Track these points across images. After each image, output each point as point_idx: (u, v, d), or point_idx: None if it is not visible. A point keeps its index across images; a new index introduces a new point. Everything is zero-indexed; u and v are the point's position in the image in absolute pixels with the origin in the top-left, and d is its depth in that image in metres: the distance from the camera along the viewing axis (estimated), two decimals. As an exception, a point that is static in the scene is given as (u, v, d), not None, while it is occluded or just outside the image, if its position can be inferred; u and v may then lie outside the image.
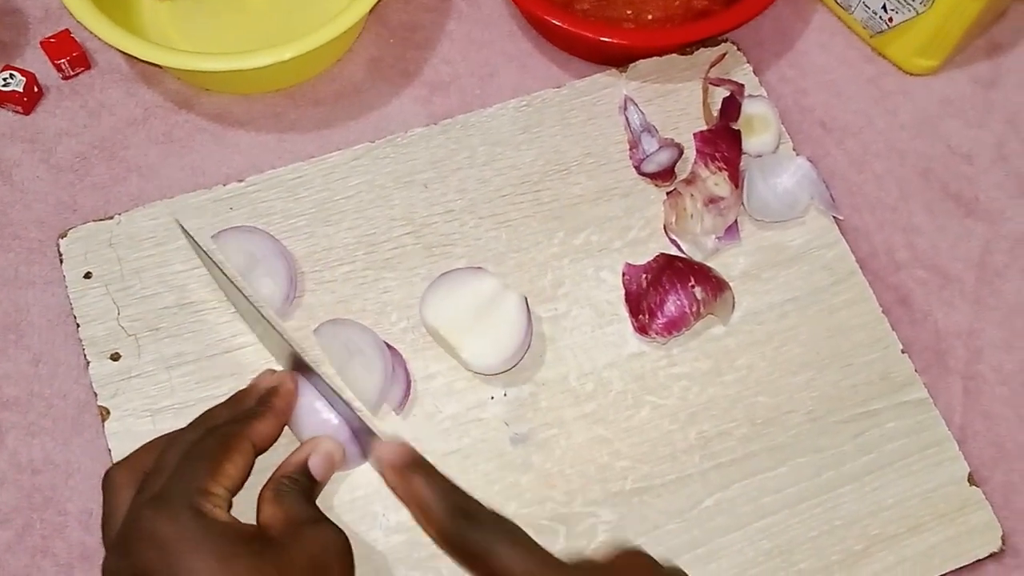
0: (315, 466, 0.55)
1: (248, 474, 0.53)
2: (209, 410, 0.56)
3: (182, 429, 0.55)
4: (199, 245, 0.62)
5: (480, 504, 0.50)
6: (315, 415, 0.58)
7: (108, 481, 0.53)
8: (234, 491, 0.52)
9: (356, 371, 0.60)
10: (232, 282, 0.61)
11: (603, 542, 0.60)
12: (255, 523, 0.52)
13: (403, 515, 0.59)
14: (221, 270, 0.61)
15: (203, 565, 0.47)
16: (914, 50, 0.75)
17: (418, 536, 0.59)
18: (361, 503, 0.59)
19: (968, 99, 0.77)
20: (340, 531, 0.52)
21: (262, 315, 0.60)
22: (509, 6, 0.77)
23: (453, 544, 0.49)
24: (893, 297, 0.69)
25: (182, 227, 0.63)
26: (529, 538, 0.48)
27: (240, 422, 0.54)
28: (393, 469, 0.52)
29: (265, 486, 0.54)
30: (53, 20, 0.74)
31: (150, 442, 0.55)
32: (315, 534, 0.51)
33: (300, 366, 0.59)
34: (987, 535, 0.62)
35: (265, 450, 0.55)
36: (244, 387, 0.59)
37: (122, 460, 0.54)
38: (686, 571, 0.59)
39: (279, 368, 0.61)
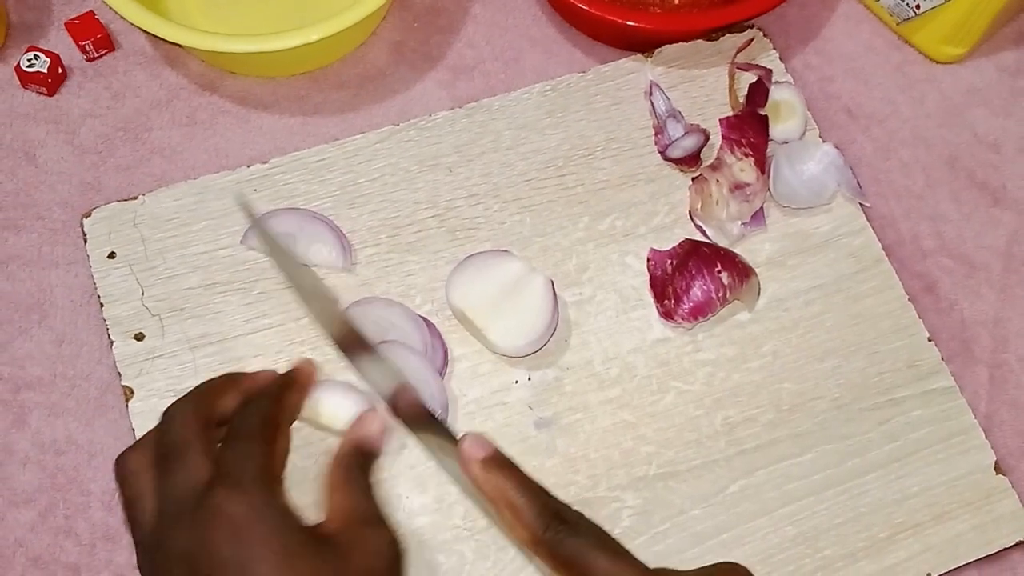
0: (370, 441, 0.54)
1: (289, 448, 0.53)
2: (204, 383, 0.54)
3: (183, 400, 0.53)
4: (263, 226, 0.60)
5: (571, 508, 0.49)
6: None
7: (125, 466, 0.52)
8: (284, 470, 0.52)
9: (394, 346, 0.60)
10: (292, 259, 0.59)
11: (627, 527, 0.59)
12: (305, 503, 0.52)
13: (426, 498, 0.59)
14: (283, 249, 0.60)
15: (269, 555, 0.46)
16: (941, 38, 0.75)
17: (441, 519, 0.59)
18: (386, 484, 0.59)
19: (995, 88, 0.76)
20: (398, 536, 0.51)
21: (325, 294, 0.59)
22: (533, -9, 0.77)
23: (547, 548, 0.48)
24: (919, 285, 0.69)
25: (246, 209, 0.59)
26: (623, 547, 0.48)
27: (272, 397, 0.53)
28: (480, 464, 0.51)
29: (333, 467, 0.52)
30: (77, 1, 0.73)
31: (154, 428, 0.54)
32: (375, 538, 0.50)
33: (353, 344, 0.57)
34: (1014, 524, 0.61)
35: (293, 423, 0.55)
36: (242, 372, 0.58)
37: (133, 445, 0.53)
38: (710, 556, 0.59)
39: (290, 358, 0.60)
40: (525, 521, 0.48)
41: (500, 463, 0.50)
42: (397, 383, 0.56)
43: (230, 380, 0.55)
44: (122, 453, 0.53)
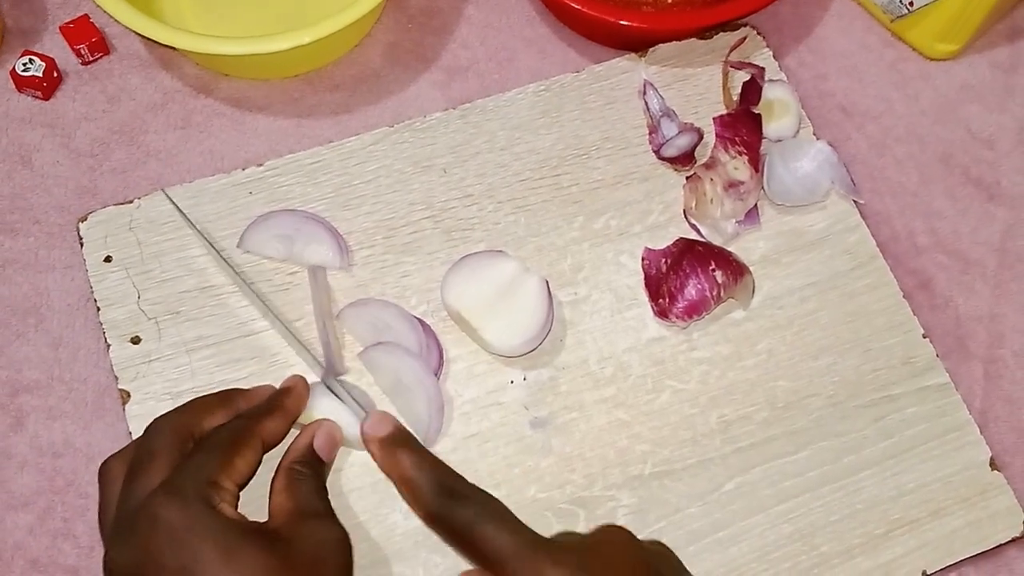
0: (321, 448, 0.56)
1: (256, 469, 0.54)
2: (198, 399, 0.57)
3: (170, 414, 0.55)
4: (209, 241, 0.61)
5: (465, 481, 0.50)
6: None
7: (105, 472, 0.54)
8: (242, 485, 0.53)
9: (389, 347, 0.61)
10: (237, 273, 0.60)
11: (623, 525, 0.59)
12: (262, 518, 0.53)
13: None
14: (231, 266, 0.61)
15: (209, 555, 0.47)
16: (934, 35, 0.75)
17: (438, 519, 0.59)
18: (381, 486, 0.59)
19: (988, 84, 0.76)
20: (342, 529, 0.53)
21: (276, 316, 0.60)
22: (527, -9, 0.77)
23: (438, 521, 0.49)
24: (914, 282, 0.69)
25: (195, 228, 0.61)
26: (514, 516, 0.48)
27: (252, 417, 0.55)
28: (379, 443, 0.52)
29: (277, 474, 0.55)
30: (72, 5, 0.74)
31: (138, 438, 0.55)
32: (318, 529, 0.52)
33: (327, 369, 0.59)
34: (1009, 520, 0.61)
35: (272, 448, 0.56)
36: (240, 388, 0.59)
37: (117, 452, 0.54)
38: (707, 554, 0.59)
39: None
40: (419, 497, 0.49)
41: (400, 441, 0.51)
42: (367, 403, 0.57)
43: (222, 398, 0.57)
44: (106, 460, 0.54)
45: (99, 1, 0.65)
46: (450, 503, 0.49)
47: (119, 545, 0.49)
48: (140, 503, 0.49)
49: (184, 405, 0.56)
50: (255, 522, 0.51)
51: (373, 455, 0.52)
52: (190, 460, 0.51)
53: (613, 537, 0.50)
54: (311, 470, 0.55)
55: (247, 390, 0.58)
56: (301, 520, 0.52)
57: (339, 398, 0.59)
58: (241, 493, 0.53)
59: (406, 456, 0.51)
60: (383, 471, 0.52)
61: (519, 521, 0.48)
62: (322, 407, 0.59)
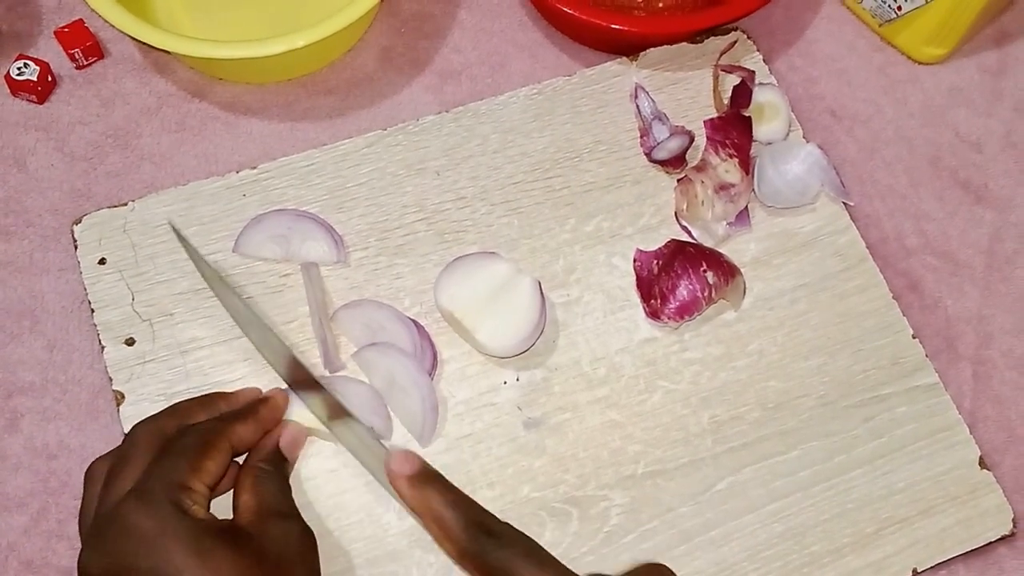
0: (287, 448, 0.57)
1: (226, 470, 0.55)
2: (181, 403, 0.57)
3: (151, 418, 0.55)
4: (196, 251, 0.61)
5: (497, 518, 0.50)
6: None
7: (90, 474, 0.54)
8: (212, 487, 0.53)
9: (384, 348, 0.61)
10: (228, 286, 0.61)
11: (616, 525, 0.60)
12: (230, 516, 0.54)
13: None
14: (221, 277, 0.61)
15: (181, 558, 0.48)
16: (923, 39, 0.76)
17: (432, 519, 0.59)
18: (375, 486, 0.60)
19: (977, 87, 0.77)
20: (307, 526, 0.54)
21: (261, 321, 0.60)
22: (519, -5, 0.77)
23: (473, 561, 0.48)
24: (903, 283, 0.70)
25: (179, 234, 0.61)
26: (549, 555, 0.48)
27: (222, 420, 0.56)
28: (407, 481, 0.51)
29: (242, 472, 0.55)
30: (67, 10, 0.74)
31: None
32: (285, 528, 0.53)
33: (300, 377, 0.59)
34: (998, 518, 0.62)
35: (241, 453, 0.57)
36: (224, 391, 0.60)
37: (102, 455, 0.55)
38: (699, 553, 0.60)
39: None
40: (451, 535, 0.48)
41: (427, 478, 0.50)
42: (340, 411, 0.58)
43: (203, 402, 0.57)
44: (92, 462, 0.54)
45: (94, 5, 0.66)
46: (485, 541, 0.48)
47: (92, 550, 0.50)
48: (112, 508, 0.50)
49: (165, 409, 0.56)
50: (224, 520, 0.52)
51: (401, 493, 0.51)
52: (159, 464, 0.52)
53: (655, 572, 0.49)
54: (275, 469, 0.56)
55: (229, 393, 0.59)
56: (267, 518, 0.53)
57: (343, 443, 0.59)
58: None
59: (436, 493, 0.50)
60: (412, 509, 0.51)
61: (555, 559, 0.48)
62: (298, 410, 0.59)
